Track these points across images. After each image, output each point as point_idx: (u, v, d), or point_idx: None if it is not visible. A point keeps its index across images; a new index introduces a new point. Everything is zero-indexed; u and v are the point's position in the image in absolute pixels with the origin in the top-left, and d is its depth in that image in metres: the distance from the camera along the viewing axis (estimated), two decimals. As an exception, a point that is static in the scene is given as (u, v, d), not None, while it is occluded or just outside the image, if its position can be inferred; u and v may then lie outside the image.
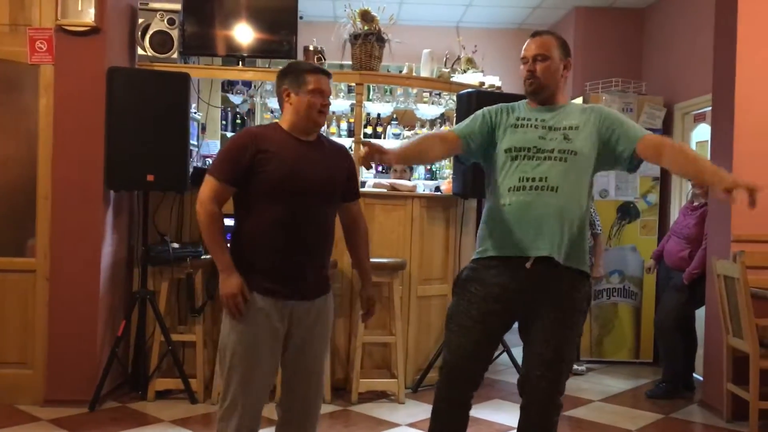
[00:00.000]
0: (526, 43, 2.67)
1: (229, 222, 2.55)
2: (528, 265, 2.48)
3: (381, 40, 4.79)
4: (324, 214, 2.63)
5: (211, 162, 2.54)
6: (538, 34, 2.69)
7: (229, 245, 2.56)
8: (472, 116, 2.74)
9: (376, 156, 2.35)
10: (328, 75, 2.64)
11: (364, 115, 5.27)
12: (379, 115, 6.58)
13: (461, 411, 2.64)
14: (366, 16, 4.74)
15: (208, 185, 2.53)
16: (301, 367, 2.62)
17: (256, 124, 6.80)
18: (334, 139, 6.67)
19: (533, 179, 2.51)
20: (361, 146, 2.37)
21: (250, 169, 2.48)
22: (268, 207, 2.50)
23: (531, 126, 2.61)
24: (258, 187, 2.50)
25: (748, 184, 2.17)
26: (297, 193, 2.51)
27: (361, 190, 4.81)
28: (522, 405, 2.61)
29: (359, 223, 2.83)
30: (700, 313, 4.91)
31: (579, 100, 6.16)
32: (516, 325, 2.68)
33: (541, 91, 2.63)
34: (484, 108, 2.74)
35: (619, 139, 2.57)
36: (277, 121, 2.67)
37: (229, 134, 6.87)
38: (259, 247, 2.52)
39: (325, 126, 6.55)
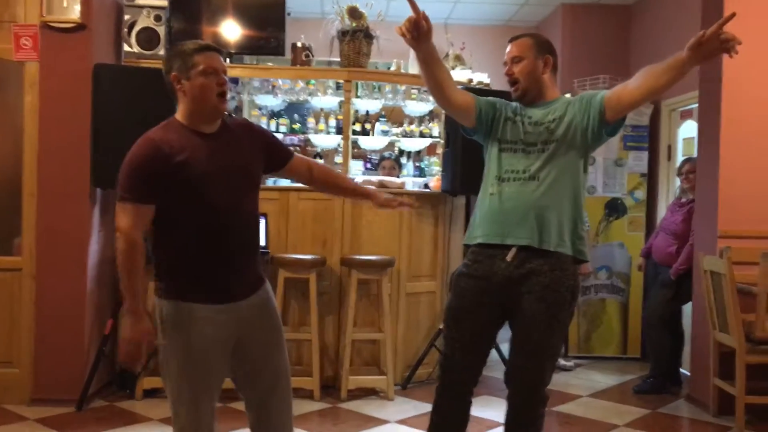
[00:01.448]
0: (507, 49, 2.76)
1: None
2: (509, 258, 2.55)
3: (369, 37, 4.78)
4: (248, 206, 2.41)
5: (119, 182, 2.31)
6: (516, 37, 2.77)
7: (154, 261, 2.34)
8: (492, 98, 2.82)
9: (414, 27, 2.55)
10: (219, 51, 2.38)
11: (352, 112, 5.25)
12: (367, 111, 6.56)
13: (461, 404, 2.69)
14: (354, 13, 4.74)
15: (126, 212, 2.23)
16: (263, 362, 2.44)
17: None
18: (323, 137, 6.65)
19: (517, 171, 2.61)
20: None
21: (164, 180, 2.23)
22: (189, 213, 2.28)
23: (520, 122, 2.69)
24: (174, 195, 2.25)
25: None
26: (217, 194, 2.29)
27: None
28: (507, 397, 2.64)
29: (314, 169, 2.65)
30: (687, 309, 4.94)
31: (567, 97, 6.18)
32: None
33: (527, 94, 2.71)
34: (497, 99, 2.83)
35: (590, 103, 2.62)
36: (174, 116, 2.40)
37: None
38: (188, 256, 2.31)
39: (314, 123, 6.54)
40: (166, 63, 2.39)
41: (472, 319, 2.62)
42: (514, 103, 2.79)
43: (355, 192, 2.80)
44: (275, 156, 2.55)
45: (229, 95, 2.37)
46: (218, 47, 2.43)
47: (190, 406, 2.32)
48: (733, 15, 2.28)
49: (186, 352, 2.30)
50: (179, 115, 2.38)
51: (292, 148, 2.76)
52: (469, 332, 2.62)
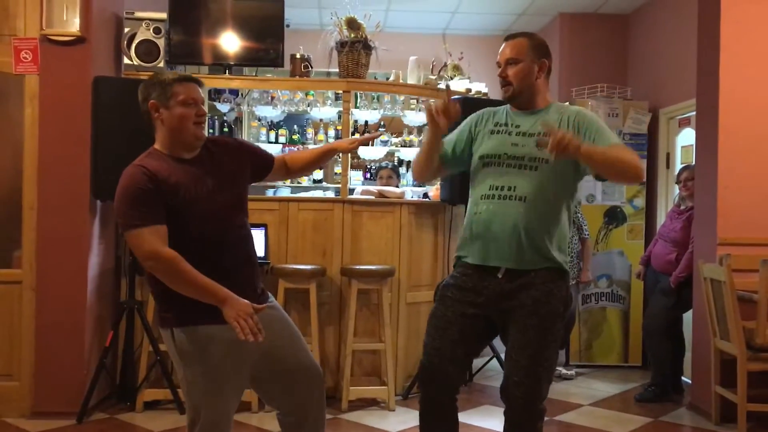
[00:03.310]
0: (501, 47, 2.67)
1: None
2: (500, 275, 2.53)
3: (367, 48, 4.80)
4: (238, 222, 2.44)
5: (118, 218, 2.35)
6: (512, 37, 2.67)
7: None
8: (463, 123, 2.76)
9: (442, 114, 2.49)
10: (197, 82, 2.42)
11: (351, 122, 5.27)
12: (366, 122, 6.58)
13: (446, 413, 2.62)
14: (352, 24, 4.76)
15: (142, 237, 2.21)
16: (283, 362, 2.48)
17: (243, 132, 6.79)
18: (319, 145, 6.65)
19: (501, 187, 2.53)
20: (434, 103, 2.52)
21: (161, 202, 2.25)
22: (182, 238, 2.27)
23: (504, 132, 2.61)
24: (169, 220, 2.26)
25: None
26: (207, 217, 2.32)
27: (350, 197, 4.85)
28: (504, 411, 2.60)
29: (288, 161, 2.74)
30: (688, 317, 4.93)
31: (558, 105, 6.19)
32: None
33: (518, 96, 2.62)
34: (474, 114, 2.76)
35: (592, 142, 2.49)
36: (154, 147, 2.43)
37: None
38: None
39: (313, 133, 6.55)
40: (143, 91, 2.41)
41: (454, 329, 2.55)
42: (501, 110, 2.71)
43: (324, 154, 2.84)
44: (260, 165, 2.63)
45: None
46: (197, 79, 2.46)
47: (212, 428, 2.33)
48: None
49: (208, 375, 2.30)
50: (158, 144, 2.41)
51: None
52: (450, 341, 2.54)
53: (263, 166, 2.65)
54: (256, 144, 2.66)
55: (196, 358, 2.30)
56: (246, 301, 2.24)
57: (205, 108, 2.43)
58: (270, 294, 2.58)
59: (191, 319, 2.28)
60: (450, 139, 2.72)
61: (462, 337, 2.56)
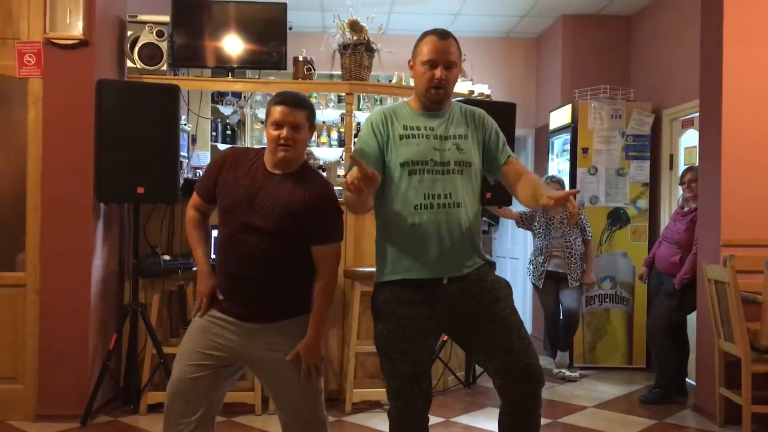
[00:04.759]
0: (432, 44, 2.48)
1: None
2: (445, 281, 2.46)
3: (370, 50, 4.80)
4: (271, 249, 2.45)
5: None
6: (445, 36, 2.50)
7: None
8: (364, 133, 2.55)
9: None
10: (290, 105, 2.45)
11: (354, 124, 5.27)
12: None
13: (424, 426, 2.55)
14: (355, 26, 4.76)
15: (193, 195, 2.65)
16: (281, 384, 2.55)
17: (246, 135, 6.80)
18: (325, 149, 6.66)
19: (438, 196, 2.43)
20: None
21: (216, 187, 2.54)
22: (222, 227, 2.54)
23: (422, 136, 2.49)
24: (218, 205, 2.56)
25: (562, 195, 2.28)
26: (239, 222, 2.45)
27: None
28: (507, 399, 2.44)
29: (319, 271, 2.54)
30: (692, 318, 4.93)
31: (568, 108, 6.20)
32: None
33: (445, 101, 2.54)
34: (370, 120, 2.56)
35: (497, 149, 2.59)
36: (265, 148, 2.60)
37: (219, 145, 6.86)
38: (217, 264, 2.57)
39: (315, 136, 6.55)
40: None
41: (419, 348, 2.44)
42: (398, 109, 2.57)
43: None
44: (313, 230, 2.49)
45: (286, 145, 2.45)
46: (298, 101, 2.49)
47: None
48: (578, 191, 2.54)
49: (185, 338, 2.58)
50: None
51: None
52: (418, 362, 2.44)
53: (310, 234, 2.50)
54: (334, 222, 2.56)
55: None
56: (208, 283, 2.54)
57: (297, 132, 2.46)
58: (297, 314, 2.53)
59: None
60: (367, 158, 2.44)
61: (427, 355, 2.52)
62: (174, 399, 2.52)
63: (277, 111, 2.45)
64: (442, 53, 2.46)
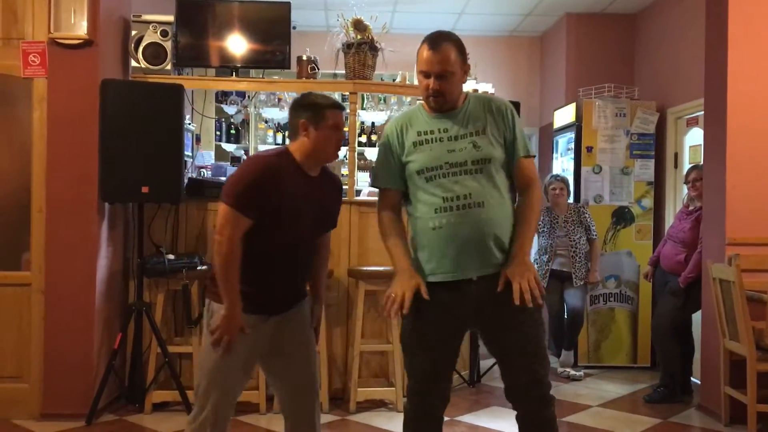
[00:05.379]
0: (423, 54, 2.48)
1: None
2: (474, 278, 2.45)
3: (374, 49, 4.80)
4: (315, 245, 2.73)
5: (226, 188, 2.50)
6: (437, 45, 2.47)
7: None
8: (381, 152, 2.64)
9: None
10: (343, 109, 2.67)
11: (358, 123, 5.27)
12: (373, 123, 6.59)
13: (438, 424, 2.62)
14: (359, 26, 4.76)
15: (231, 219, 2.44)
16: (295, 368, 2.72)
17: (250, 134, 6.80)
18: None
19: (458, 197, 2.43)
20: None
21: (266, 200, 2.45)
22: (268, 237, 2.50)
23: (435, 140, 2.50)
24: (264, 218, 2.47)
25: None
26: (297, 230, 2.56)
27: (357, 198, 4.85)
28: (519, 415, 2.52)
29: (323, 250, 2.85)
30: (697, 317, 4.91)
31: (572, 106, 6.19)
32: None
33: (445, 105, 2.52)
34: (386, 134, 2.63)
35: (513, 143, 2.54)
36: (287, 146, 2.62)
37: (224, 145, 6.88)
38: (253, 272, 2.53)
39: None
40: (297, 109, 2.60)
41: (441, 348, 2.50)
42: (414, 114, 2.61)
43: (314, 288, 2.88)
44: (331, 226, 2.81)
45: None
46: (344, 106, 2.71)
47: (217, 399, 2.57)
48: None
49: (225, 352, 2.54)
50: (295, 151, 2.58)
51: None
52: (437, 361, 2.51)
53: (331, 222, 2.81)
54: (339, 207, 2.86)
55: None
56: (238, 323, 2.50)
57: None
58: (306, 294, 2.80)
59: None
60: (393, 179, 2.59)
61: (449, 355, 2.56)
62: (229, 409, 2.64)
63: (338, 116, 2.59)
64: (432, 64, 2.46)
